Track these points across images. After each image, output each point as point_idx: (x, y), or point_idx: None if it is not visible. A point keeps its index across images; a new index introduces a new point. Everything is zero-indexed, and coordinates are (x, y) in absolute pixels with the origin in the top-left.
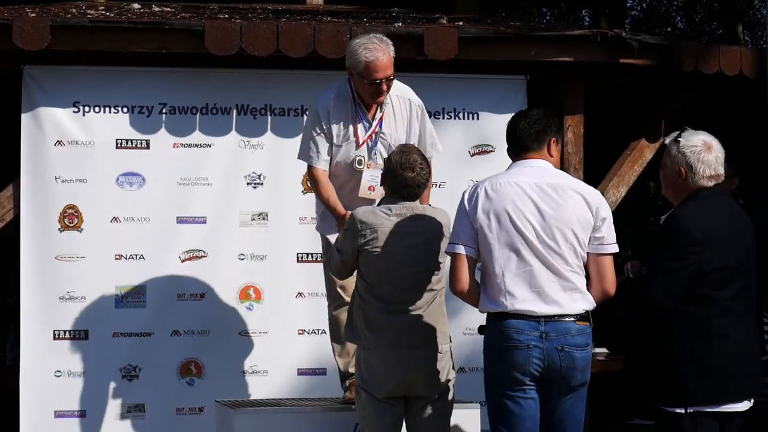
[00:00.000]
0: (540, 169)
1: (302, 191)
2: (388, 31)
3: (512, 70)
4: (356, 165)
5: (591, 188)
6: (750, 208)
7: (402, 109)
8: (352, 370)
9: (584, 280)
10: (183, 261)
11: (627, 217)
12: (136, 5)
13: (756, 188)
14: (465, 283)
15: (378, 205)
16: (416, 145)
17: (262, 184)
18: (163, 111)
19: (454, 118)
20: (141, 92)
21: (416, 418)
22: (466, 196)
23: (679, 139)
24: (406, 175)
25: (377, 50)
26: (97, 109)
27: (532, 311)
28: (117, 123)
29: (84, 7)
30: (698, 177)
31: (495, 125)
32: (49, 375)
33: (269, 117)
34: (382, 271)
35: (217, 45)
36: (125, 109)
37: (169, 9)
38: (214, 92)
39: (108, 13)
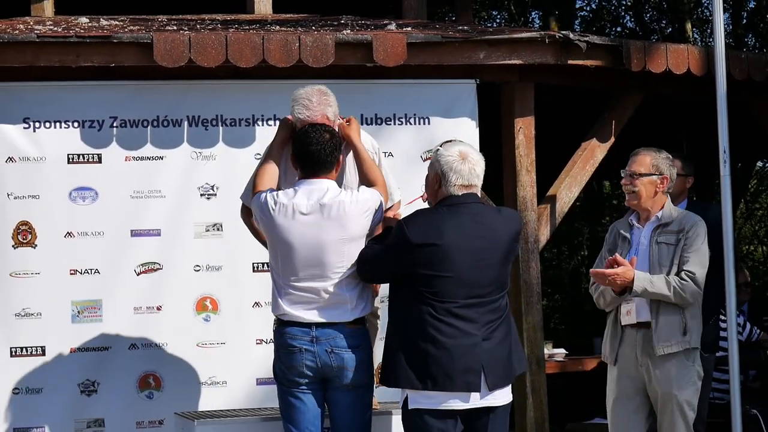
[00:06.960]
0: (323, 191)
1: None
2: (337, 39)
3: (462, 74)
4: None
5: (364, 199)
6: (702, 204)
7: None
8: None
9: (359, 292)
10: (138, 274)
11: (582, 217)
12: (83, 19)
13: (709, 185)
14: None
15: None
16: None
17: (215, 194)
18: (114, 124)
19: (405, 124)
20: (91, 106)
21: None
22: (270, 206)
23: (439, 149)
24: None
25: (311, 109)
26: (47, 124)
27: (305, 319)
28: (68, 138)
29: (31, 23)
30: (449, 185)
31: (446, 130)
32: (6, 392)
33: (221, 128)
34: None
35: (165, 57)
36: (76, 124)
37: (117, 22)
38: (165, 104)
39: (56, 28)
